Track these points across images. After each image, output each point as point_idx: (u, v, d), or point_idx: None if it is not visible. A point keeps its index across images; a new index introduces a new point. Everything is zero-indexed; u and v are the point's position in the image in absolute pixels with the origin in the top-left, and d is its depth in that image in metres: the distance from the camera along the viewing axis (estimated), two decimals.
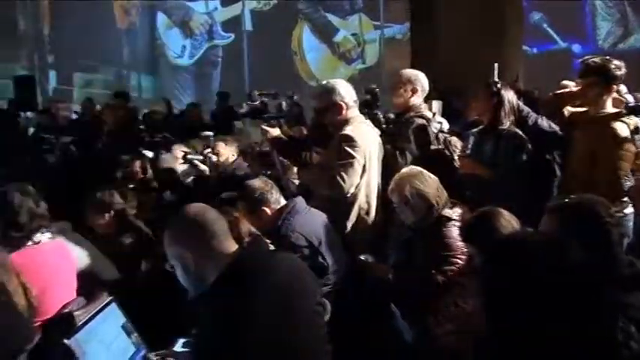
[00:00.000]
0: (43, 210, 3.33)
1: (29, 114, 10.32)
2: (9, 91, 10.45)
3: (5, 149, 10.03)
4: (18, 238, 3.20)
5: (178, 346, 2.74)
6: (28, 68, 12.80)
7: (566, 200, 2.43)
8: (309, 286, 2.36)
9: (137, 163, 5.78)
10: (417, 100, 4.38)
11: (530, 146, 4.04)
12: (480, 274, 1.84)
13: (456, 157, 4.22)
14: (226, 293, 2.09)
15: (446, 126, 4.46)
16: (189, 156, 5.37)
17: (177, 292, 2.54)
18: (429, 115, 4.34)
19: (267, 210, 3.45)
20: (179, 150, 5.73)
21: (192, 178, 5.39)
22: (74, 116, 9.53)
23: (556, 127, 4.14)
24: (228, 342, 2.03)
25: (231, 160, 5.56)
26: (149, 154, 5.72)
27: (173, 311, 3.17)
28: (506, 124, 4.07)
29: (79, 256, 3.55)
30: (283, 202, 3.53)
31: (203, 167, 5.28)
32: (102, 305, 2.69)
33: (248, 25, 15.82)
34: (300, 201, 3.55)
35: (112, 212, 4.31)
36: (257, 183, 3.55)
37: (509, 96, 4.13)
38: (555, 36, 13.64)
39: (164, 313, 3.35)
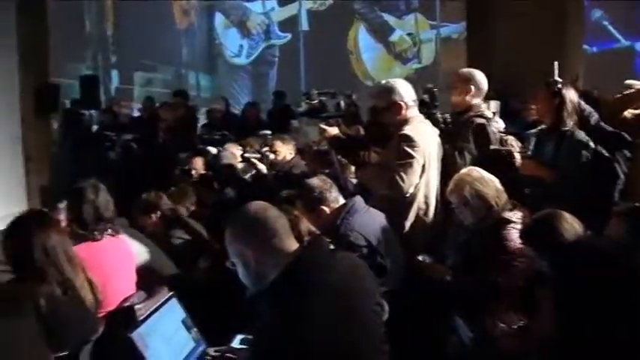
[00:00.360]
0: (110, 211, 3.41)
1: (93, 112, 10.63)
2: (75, 90, 10.79)
3: (72, 147, 10.42)
4: (81, 234, 3.29)
5: (236, 343, 2.76)
6: (93, 68, 13.11)
7: (636, 204, 2.37)
8: (369, 285, 2.35)
9: (199, 160, 5.88)
10: (476, 99, 4.32)
11: (592, 147, 3.96)
12: (549, 278, 1.81)
13: (517, 158, 4.15)
14: (286, 291, 2.10)
15: (502, 125, 4.40)
16: (247, 154, 5.42)
17: (236, 288, 2.58)
18: (489, 114, 4.29)
19: (326, 209, 3.44)
20: (234, 148, 5.80)
21: (249, 175, 5.43)
22: (136, 114, 9.75)
23: None
24: (287, 340, 2.04)
25: (288, 158, 5.60)
26: (213, 150, 5.80)
27: (231, 308, 3.22)
28: (569, 124, 3.98)
29: (138, 252, 3.63)
30: (342, 201, 3.52)
31: (261, 166, 5.33)
32: (163, 300, 2.74)
33: (304, 25, 15.85)
34: (359, 200, 3.54)
35: (159, 213, 4.40)
36: (316, 182, 3.55)
37: (571, 95, 4.04)
38: (617, 34, 13.24)
39: (222, 309, 3.40)
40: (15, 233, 2.80)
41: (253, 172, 5.37)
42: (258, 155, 5.40)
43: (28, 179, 10.17)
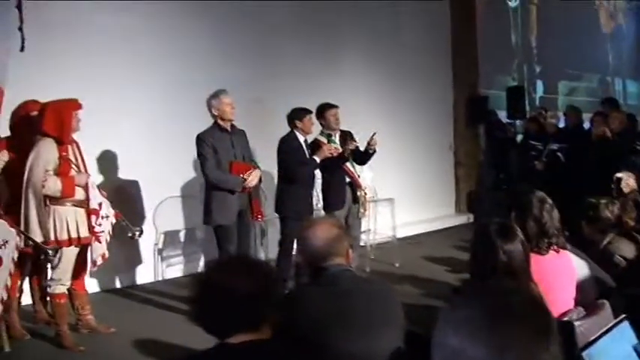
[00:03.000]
0: (555, 227, 3.40)
1: (518, 122, 10.86)
2: (502, 101, 11.15)
3: (495, 155, 10.81)
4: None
5: None
6: (518, 79, 13.31)
7: None
8: None
9: (631, 176, 5.57)
10: None
11: None
12: None
13: None
14: None
15: None
16: None
17: None
18: None
19: None
20: None
21: None
22: (561, 125, 9.60)
23: None
24: None
25: None
26: None
27: None
28: None
29: (578, 266, 3.56)
30: None
31: None
32: (615, 322, 2.65)
33: None
34: None
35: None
36: None
37: None
38: None
39: None
40: (480, 240, 2.99)
41: None
42: None
43: (457, 184, 10.96)
